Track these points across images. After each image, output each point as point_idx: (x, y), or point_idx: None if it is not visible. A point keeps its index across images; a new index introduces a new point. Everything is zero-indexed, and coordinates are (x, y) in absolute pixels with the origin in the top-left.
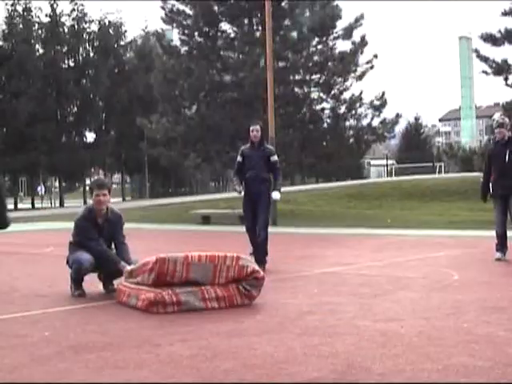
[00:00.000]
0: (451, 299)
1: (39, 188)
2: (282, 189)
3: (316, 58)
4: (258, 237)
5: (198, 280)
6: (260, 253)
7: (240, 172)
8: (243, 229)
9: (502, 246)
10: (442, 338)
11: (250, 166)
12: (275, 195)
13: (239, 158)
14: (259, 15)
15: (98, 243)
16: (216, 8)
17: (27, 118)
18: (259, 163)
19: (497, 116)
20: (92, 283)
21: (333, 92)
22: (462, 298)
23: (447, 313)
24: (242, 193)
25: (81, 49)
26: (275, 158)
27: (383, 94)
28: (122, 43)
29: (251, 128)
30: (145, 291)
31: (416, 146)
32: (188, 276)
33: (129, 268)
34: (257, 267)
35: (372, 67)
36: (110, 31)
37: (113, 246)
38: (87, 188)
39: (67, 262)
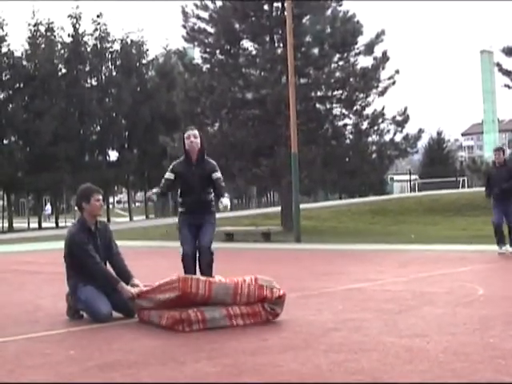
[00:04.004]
0: (477, 314)
1: (46, 208)
2: (305, 205)
3: (338, 74)
4: (203, 258)
5: (219, 299)
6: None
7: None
8: (267, 245)
9: None
10: (468, 353)
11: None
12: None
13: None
14: (280, 32)
15: (95, 261)
16: (237, 26)
17: (50, 137)
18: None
19: None
20: None
21: (355, 108)
22: (487, 313)
23: (473, 328)
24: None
25: (103, 68)
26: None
27: (405, 109)
28: (143, 62)
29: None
30: (167, 310)
31: (439, 161)
32: (210, 295)
33: (133, 291)
34: (276, 285)
35: (394, 83)
36: (133, 50)
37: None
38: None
39: (67, 299)
